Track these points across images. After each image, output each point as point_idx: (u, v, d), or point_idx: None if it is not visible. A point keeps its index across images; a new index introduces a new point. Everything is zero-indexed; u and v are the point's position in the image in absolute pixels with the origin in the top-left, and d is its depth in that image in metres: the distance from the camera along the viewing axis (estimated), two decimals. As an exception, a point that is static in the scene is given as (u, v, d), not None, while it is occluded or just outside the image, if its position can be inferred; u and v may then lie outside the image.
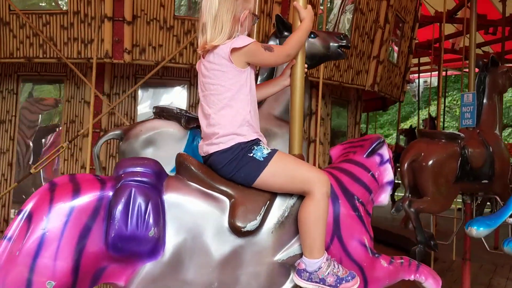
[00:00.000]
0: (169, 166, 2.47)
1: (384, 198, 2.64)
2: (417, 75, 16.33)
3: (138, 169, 2.10)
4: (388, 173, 2.62)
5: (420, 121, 15.23)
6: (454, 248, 7.13)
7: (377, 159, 2.61)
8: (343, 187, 2.43)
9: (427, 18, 11.37)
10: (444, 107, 11.15)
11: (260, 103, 2.95)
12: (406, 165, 4.45)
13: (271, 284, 2.23)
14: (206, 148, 2.26)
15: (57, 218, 1.92)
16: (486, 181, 4.70)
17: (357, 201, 2.42)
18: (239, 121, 2.20)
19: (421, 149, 4.46)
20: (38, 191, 2.02)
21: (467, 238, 5.00)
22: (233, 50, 2.15)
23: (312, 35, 3.42)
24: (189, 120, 3.77)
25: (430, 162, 4.35)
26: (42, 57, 5.79)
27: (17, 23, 5.77)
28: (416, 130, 8.84)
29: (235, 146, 2.19)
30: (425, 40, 12.82)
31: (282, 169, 2.19)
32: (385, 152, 2.65)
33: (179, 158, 2.24)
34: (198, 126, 3.77)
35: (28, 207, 1.96)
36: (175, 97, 6.53)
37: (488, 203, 9.79)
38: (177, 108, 3.95)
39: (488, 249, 5.05)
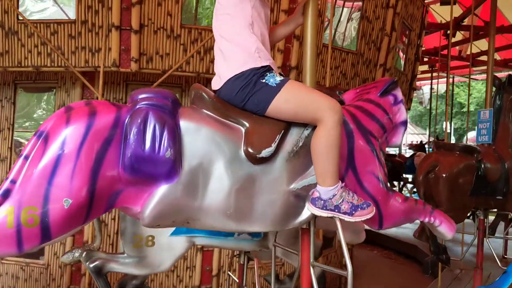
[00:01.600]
0: None
1: (398, 138, 2.67)
2: (424, 82, 16.29)
3: (154, 95, 2.13)
4: (402, 113, 2.66)
5: (432, 131, 15.17)
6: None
7: (391, 98, 2.64)
8: (358, 122, 2.44)
9: (434, 25, 11.36)
10: (452, 115, 11.09)
11: None
12: (422, 176, 4.46)
13: (286, 213, 2.24)
14: (219, 79, 2.29)
15: (73, 138, 1.94)
16: (500, 197, 4.70)
17: (371, 136, 2.44)
18: (251, 47, 2.23)
19: (438, 161, 4.47)
20: (54, 114, 2.05)
21: (480, 250, 5.03)
22: None
23: None
24: None
25: (446, 174, 4.36)
26: (50, 66, 5.83)
27: (25, 33, 5.81)
28: (433, 142, 8.83)
29: (248, 71, 2.21)
30: (432, 47, 12.80)
31: (295, 96, 2.20)
32: (399, 93, 2.68)
33: (194, 89, 2.27)
34: None
35: (45, 127, 1.98)
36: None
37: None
38: None
39: (498, 261, 5.04)
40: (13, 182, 1.90)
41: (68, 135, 1.94)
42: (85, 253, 3.32)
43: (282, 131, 2.21)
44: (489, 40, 5.75)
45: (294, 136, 2.24)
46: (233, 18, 2.26)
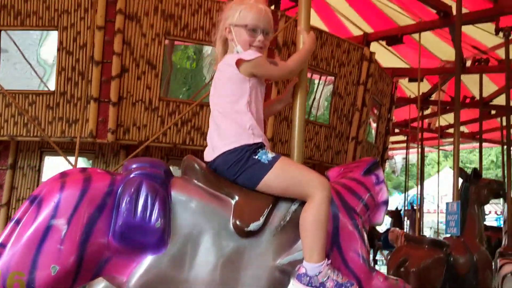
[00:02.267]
0: None
1: (380, 217, 2.69)
2: (396, 152, 16.71)
3: (147, 165, 2.17)
4: (384, 193, 2.70)
5: (407, 201, 15.37)
6: None
7: (373, 178, 2.68)
8: (343, 200, 2.47)
9: (403, 100, 11.84)
10: (422, 185, 11.36)
11: None
12: (392, 270, 4.54)
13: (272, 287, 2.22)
14: (211, 153, 2.33)
15: (66, 206, 1.95)
16: None
17: (355, 214, 2.46)
18: (244, 124, 2.30)
19: (408, 255, 4.57)
20: (49, 179, 2.07)
21: None
22: (240, 60, 2.32)
23: None
24: None
25: (416, 269, 4.44)
26: (26, 136, 5.85)
27: (3, 102, 5.87)
28: (403, 234, 9.01)
29: (241, 147, 2.26)
30: (402, 120, 13.26)
31: (286, 173, 2.24)
32: (381, 173, 2.74)
33: (186, 160, 2.30)
34: None
35: (38, 192, 1.99)
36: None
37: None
38: None
39: None
40: (3, 245, 1.91)
41: (61, 202, 1.96)
42: None
43: (271, 205, 2.24)
44: (455, 114, 6.00)
45: (282, 211, 2.27)
46: (232, 96, 2.34)
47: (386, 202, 2.73)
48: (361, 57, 7.59)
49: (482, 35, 9.63)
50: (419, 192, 11.63)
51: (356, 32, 10.12)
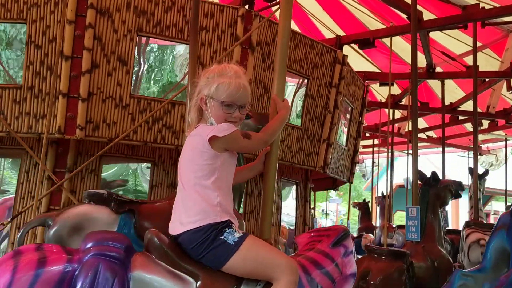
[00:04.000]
0: None
1: None
2: (366, 156, 16.92)
3: (107, 243, 2.08)
4: (351, 265, 2.66)
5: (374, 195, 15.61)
6: None
7: (341, 250, 2.64)
8: (309, 276, 2.43)
9: (374, 104, 12.00)
10: (391, 185, 11.55)
11: None
12: (356, 282, 4.58)
13: None
14: (177, 227, 2.25)
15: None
16: None
17: None
18: (211, 201, 2.22)
19: (369, 268, 4.63)
20: (2, 259, 1.97)
21: None
22: (213, 137, 2.23)
23: (247, 117, 3.60)
24: (120, 204, 3.67)
25: (378, 280, 4.50)
26: (-9, 130, 5.68)
27: (-33, 96, 5.69)
28: (365, 246, 9.19)
29: (206, 226, 2.18)
30: (373, 124, 13.44)
31: (253, 255, 2.19)
32: (350, 244, 2.69)
33: (149, 235, 2.21)
34: (130, 210, 3.72)
35: None
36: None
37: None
38: (107, 191, 3.85)
39: None
40: None
41: (13, 285, 1.87)
42: None
43: (235, 286, 2.20)
44: (412, 120, 6.01)
45: None
46: (201, 171, 2.25)
47: (353, 275, 2.69)
48: (334, 59, 7.66)
49: (451, 42, 9.87)
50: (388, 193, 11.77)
51: (329, 35, 10.23)
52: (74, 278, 1.95)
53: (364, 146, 15.24)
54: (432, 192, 5.36)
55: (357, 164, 11.77)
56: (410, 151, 14.92)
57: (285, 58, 2.73)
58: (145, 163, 6.49)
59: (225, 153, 2.30)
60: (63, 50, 5.62)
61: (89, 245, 2.08)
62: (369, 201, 15.11)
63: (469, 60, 9.72)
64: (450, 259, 5.27)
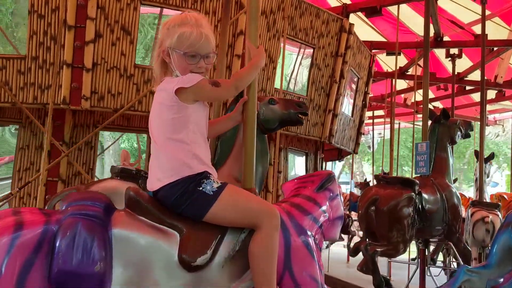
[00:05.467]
0: None
1: (334, 233, 2.66)
2: (371, 127, 16.85)
3: (86, 202, 2.04)
4: (338, 208, 2.66)
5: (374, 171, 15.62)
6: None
7: (327, 194, 2.64)
8: (294, 221, 2.43)
9: (380, 74, 11.88)
10: (398, 158, 11.52)
11: (220, 164, 2.97)
12: (363, 210, 4.57)
13: None
14: (154, 183, 2.22)
15: None
16: (439, 227, 4.86)
17: (307, 236, 2.43)
18: (185, 153, 2.17)
19: (378, 194, 4.60)
20: None
21: (422, 279, 5.16)
22: (180, 89, 2.16)
23: (272, 102, 3.56)
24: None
25: (386, 207, 4.48)
26: (-4, 101, 5.69)
27: (-28, 66, 5.68)
28: (375, 176, 9.18)
29: (184, 179, 2.15)
30: (379, 95, 13.34)
31: (233, 203, 2.17)
32: (335, 188, 2.69)
33: (129, 192, 2.17)
34: None
35: None
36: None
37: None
38: (135, 168, 3.87)
39: None
40: None
41: None
42: None
43: (219, 236, 2.17)
44: (423, 88, 6.02)
45: (231, 241, 2.19)
46: (172, 125, 2.19)
47: (340, 217, 2.68)
48: (340, 28, 7.56)
49: (460, 10, 9.69)
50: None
51: (335, 3, 10.06)
52: (53, 239, 1.92)
53: (370, 117, 15.17)
54: (441, 128, 5.31)
55: (362, 135, 11.74)
56: (417, 122, 14.86)
57: (257, 3, 2.60)
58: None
59: (194, 105, 2.23)
60: (66, 19, 5.56)
61: (67, 206, 2.05)
62: (370, 181, 15.15)
63: (477, 29, 9.56)
64: (458, 194, 5.25)
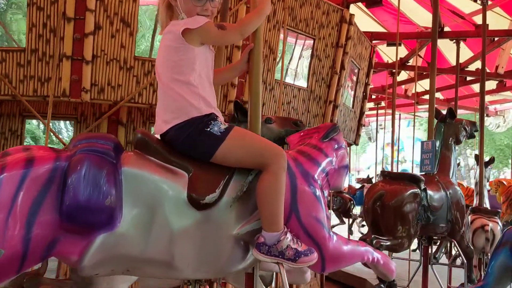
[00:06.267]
0: None
1: (339, 181, 2.70)
2: (372, 118, 16.83)
3: (95, 140, 2.08)
4: (343, 158, 2.71)
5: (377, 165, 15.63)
6: (410, 289, 7.22)
7: (333, 143, 2.68)
8: (301, 166, 2.46)
9: (381, 65, 11.85)
10: (398, 150, 11.50)
11: None
12: (369, 204, 4.59)
13: (230, 259, 2.22)
14: (161, 126, 2.25)
15: (8, 187, 1.86)
16: (443, 225, 4.88)
17: (313, 180, 2.45)
18: (193, 95, 2.21)
19: (384, 189, 4.62)
20: None
21: (424, 277, 5.19)
22: (186, 30, 2.19)
23: (269, 121, 3.56)
24: None
25: (392, 202, 4.50)
26: (-4, 94, 5.67)
27: (-29, 59, 5.65)
28: (381, 172, 9.20)
29: (191, 120, 2.19)
30: (380, 86, 13.31)
31: (240, 143, 2.21)
32: (340, 138, 2.74)
33: (137, 135, 2.21)
34: None
35: None
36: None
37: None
38: None
39: None
40: None
41: (3, 184, 1.85)
42: (28, 279, 3.16)
43: (227, 176, 2.21)
44: (431, 79, 6.04)
45: (239, 181, 2.24)
46: (179, 67, 2.21)
47: (346, 167, 2.73)
48: (341, 19, 7.53)
49: (460, 0, 9.64)
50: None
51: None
52: (63, 173, 1.94)
53: (370, 109, 15.15)
54: (446, 127, 5.35)
55: (363, 127, 11.73)
56: (418, 113, 14.84)
57: None
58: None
59: (201, 48, 2.26)
60: (65, 11, 5.54)
61: (76, 143, 2.08)
62: (372, 177, 15.16)
63: (478, 19, 9.51)
64: (462, 194, 5.28)
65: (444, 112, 5.52)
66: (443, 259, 8.25)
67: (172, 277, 2.18)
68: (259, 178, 2.20)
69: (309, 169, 2.48)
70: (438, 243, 8.57)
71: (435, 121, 5.62)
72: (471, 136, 5.63)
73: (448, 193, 4.95)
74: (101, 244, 1.99)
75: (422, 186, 4.73)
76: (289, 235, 2.21)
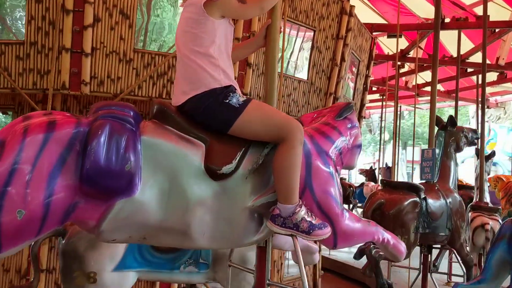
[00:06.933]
0: None
1: (353, 160, 2.73)
2: (373, 111, 16.82)
3: (115, 107, 2.10)
4: (357, 137, 2.73)
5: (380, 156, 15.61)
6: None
7: (346, 122, 2.70)
8: (315, 143, 2.49)
9: (381, 57, 11.82)
10: (399, 143, 11.50)
11: None
12: (369, 212, 4.61)
13: (245, 230, 2.25)
14: (180, 97, 2.27)
15: (30, 149, 1.87)
16: (443, 234, 4.89)
17: (328, 157, 2.48)
18: (212, 67, 2.23)
19: (383, 198, 4.63)
20: (11, 123, 1.98)
21: (424, 285, 5.25)
22: (208, 2, 2.22)
23: None
24: None
25: (392, 211, 4.51)
26: (-5, 87, 5.65)
27: (-30, 52, 5.63)
28: (383, 168, 9.20)
29: (211, 91, 2.21)
30: (380, 78, 13.28)
31: (258, 116, 2.23)
32: (354, 117, 2.76)
33: (156, 105, 2.24)
34: None
35: (1, 137, 1.90)
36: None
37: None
38: None
39: None
40: None
41: (25, 145, 1.87)
42: None
43: (243, 149, 2.23)
44: (432, 71, 6.03)
45: (255, 154, 2.26)
46: (199, 39, 2.24)
47: (359, 146, 2.76)
48: (341, 10, 7.49)
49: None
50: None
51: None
52: (84, 138, 1.96)
53: (371, 101, 15.12)
54: (447, 135, 5.35)
55: (364, 119, 11.71)
56: (418, 105, 14.80)
57: None
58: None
59: (221, 21, 2.29)
60: (64, 3, 5.51)
61: (96, 110, 2.10)
62: (375, 169, 15.16)
63: (479, 10, 9.47)
64: (462, 202, 5.28)
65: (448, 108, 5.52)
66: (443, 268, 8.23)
67: (187, 246, 2.22)
68: (276, 151, 2.22)
69: (324, 146, 2.51)
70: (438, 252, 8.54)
71: (435, 122, 5.63)
72: (472, 143, 5.63)
73: (448, 201, 4.96)
74: (120, 210, 2.02)
75: (422, 195, 4.75)
76: (304, 208, 2.24)
